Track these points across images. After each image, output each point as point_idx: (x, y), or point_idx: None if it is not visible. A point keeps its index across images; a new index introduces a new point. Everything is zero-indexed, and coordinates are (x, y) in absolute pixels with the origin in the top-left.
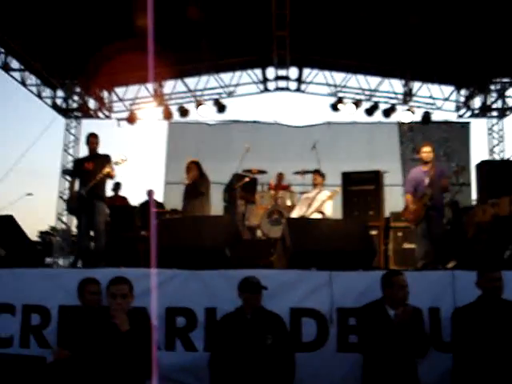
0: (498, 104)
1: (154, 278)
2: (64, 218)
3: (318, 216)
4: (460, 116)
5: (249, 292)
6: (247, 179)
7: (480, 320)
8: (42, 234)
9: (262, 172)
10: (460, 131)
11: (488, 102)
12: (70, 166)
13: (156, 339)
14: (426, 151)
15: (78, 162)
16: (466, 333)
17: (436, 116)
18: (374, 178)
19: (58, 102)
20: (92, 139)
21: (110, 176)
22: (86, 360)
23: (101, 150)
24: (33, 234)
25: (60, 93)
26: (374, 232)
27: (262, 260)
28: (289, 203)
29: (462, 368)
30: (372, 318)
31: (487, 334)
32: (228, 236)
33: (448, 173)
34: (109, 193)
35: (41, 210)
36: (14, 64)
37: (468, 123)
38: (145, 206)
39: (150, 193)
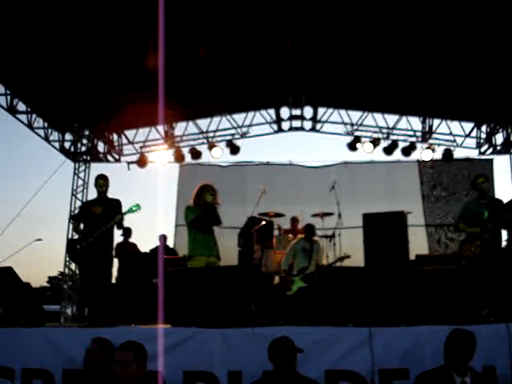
0: None
1: (161, 339)
2: (72, 265)
3: None
4: (482, 153)
5: (282, 356)
6: (264, 223)
7: None
8: (52, 279)
9: (279, 215)
10: (483, 168)
11: (511, 138)
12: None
13: None
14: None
15: (86, 206)
16: None
17: (457, 153)
18: (398, 219)
19: (67, 145)
20: (101, 181)
21: (119, 225)
22: None
23: (110, 194)
24: (42, 280)
25: (68, 136)
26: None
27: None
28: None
29: None
30: None
31: None
32: (253, 288)
33: None
34: (118, 238)
35: (50, 255)
36: (21, 106)
37: (491, 160)
38: (155, 252)
39: (162, 238)
